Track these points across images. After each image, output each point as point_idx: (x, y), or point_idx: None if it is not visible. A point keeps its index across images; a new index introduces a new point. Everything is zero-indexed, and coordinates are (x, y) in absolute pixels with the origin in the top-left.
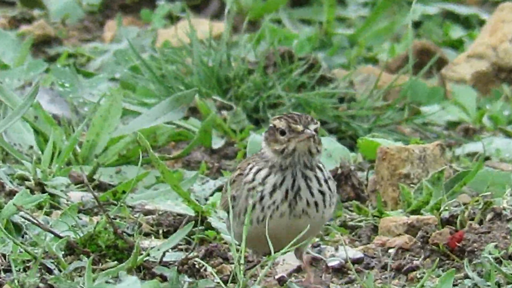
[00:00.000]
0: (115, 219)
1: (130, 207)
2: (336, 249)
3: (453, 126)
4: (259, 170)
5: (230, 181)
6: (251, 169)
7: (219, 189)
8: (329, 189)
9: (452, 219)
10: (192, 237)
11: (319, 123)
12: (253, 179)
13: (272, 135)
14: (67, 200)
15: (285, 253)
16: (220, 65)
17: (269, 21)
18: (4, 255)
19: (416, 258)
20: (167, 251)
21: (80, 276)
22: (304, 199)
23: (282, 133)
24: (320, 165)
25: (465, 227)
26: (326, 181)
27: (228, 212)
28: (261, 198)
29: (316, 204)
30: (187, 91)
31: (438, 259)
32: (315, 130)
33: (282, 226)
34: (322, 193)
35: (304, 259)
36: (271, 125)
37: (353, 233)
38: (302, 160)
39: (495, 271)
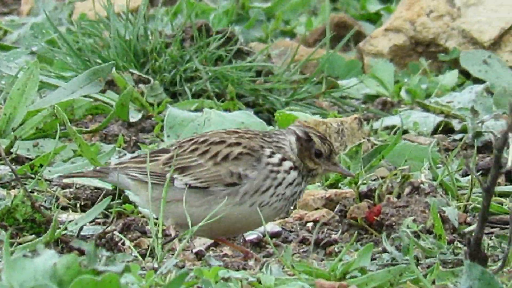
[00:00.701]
0: (33, 192)
1: (47, 180)
2: None
3: (371, 100)
4: (283, 160)
5: (225, 155)
6: (273, 153)
7: None
8: None
9: (370, 193)
10: (109, 210)
11: None
12: (280, 164)
13: (307, 149)
14: None
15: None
16: (137, 39)
17: None
18: None
19: (334, 232)
20: (85, 225)
21: None
22: (294, 203)
23: (319, 155)
24: None
25: (383, 201)
26: None
27: (205, 188)
28: (279, 184)
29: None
30: (104, 65)
31: (356, 233)
32: None
33: (267, 216)
34: None
35: None
36: (303, 135)
37: None
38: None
39: (413, 245)
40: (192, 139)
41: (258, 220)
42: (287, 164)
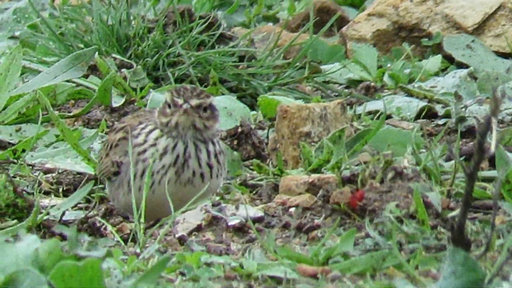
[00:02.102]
0: (15, 177)
1: (30, 165)
2: (237, 208)
3: (354, 85)
4: (151, 131)
5: (111, 144)
6: (143, 129)
7: None
8: (218, 162)
9: (353, 178)
10: (92, 195)
11: (211, 97)
12: (145, 141)
13: (164, 107)
14: None
15: (184, 212)
16: (120, 23)
17: None
18: None
19: (317, 217)
20: (67, 210)
21: None
22: (191, 169)
23: (169, 106)
24: (214, 140)
25: (366, 186)
26: (216, 155)
27: (108, 179)
28: (153, 161)
29: (202, 175)
30: (87, 49)
31: (339, 218)
32: (199, 105)
33: (168, 193)
34: (209, 166)
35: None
36: None
37: (254, 192)
38: (189, 134)
39: (396, 230)
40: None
41: (166, 199)
42: (153, 136)
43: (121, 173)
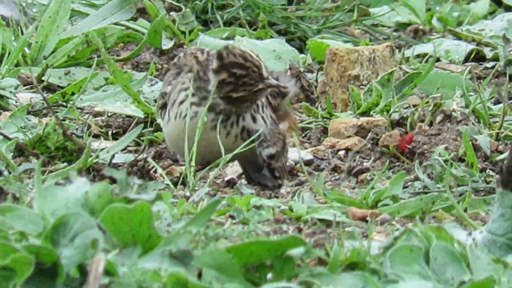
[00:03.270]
0: (64, 120)
1: (79, 108)
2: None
3: (402, 28)
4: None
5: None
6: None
7: None
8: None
9: (402, 120)
10: (141, 138)
11: None
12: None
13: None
14: (16, 102)
15: (233, 157)
16: None
17: None
18: None
19: (366, 160)
20: (117, 152)
21: (29, 177)
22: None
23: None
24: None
25: (415, 129)
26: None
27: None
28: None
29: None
30: None
31: (388, 161)
32: None
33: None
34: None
35: None
36: None
37: (303, 135)
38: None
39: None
40: None
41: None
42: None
43: (166, 102)
